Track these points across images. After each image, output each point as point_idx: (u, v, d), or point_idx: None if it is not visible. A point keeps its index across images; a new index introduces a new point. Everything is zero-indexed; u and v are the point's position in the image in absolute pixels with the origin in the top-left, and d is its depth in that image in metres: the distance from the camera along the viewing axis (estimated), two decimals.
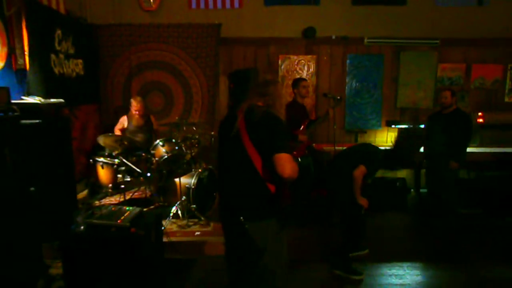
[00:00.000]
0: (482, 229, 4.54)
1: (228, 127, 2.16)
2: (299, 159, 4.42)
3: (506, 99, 5.87)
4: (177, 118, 5.64)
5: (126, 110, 5.21)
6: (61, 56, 4.51)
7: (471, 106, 5.73)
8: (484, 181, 5.13)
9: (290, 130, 4.36)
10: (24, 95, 3.56)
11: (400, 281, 3.34)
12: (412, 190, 5.76)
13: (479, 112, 5.53)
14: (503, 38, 5.69)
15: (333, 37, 5.77)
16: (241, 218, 2.06)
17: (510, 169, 5.10)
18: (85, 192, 5.04)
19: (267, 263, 2.12)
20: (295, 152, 4.31)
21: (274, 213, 2.11)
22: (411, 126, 3.66)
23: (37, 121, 2.93)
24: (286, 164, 1.92)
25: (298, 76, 5.64)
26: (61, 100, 3.55)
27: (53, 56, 4.30)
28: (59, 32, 4.43)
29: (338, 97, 4.58)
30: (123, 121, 5.10)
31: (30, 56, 3.78)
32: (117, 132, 5.04)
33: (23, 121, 2.80)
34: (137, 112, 5.01)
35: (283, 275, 2.24)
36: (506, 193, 4.93)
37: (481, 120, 5.45)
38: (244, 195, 2.10)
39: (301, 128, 4.50)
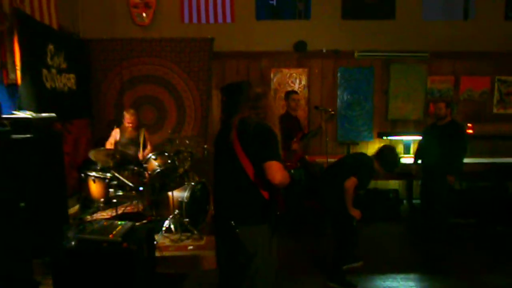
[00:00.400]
0: (475, 239, 4.57)
1: (222, 140, 2.22)
2: (292, 171, 4.44)
3: (495, 110, 5.98)
4: (169, 131, 5.65)
5: (118, 124, 5.20)
6: (53, 71, 4.51)
7: (460, 118, 5.80)
8: (475, 191, 5.19)
9: (283, 141, 4.39)
10: (15, 110, 3.54)
11: None
12: (404, 201, 5.78)
13: (468, 123, 5.62)
14: (490, 51, 5.81)
15: (324, 50, 5.86)
16: (232, 222, 2.11)
17: (499, 179, 5.16)
18: (76, 207, 4.98)
19: (258, 269, 2.15)
20: (288, 163, 4.33)
21: (266, 219, 2.16)
22: None
23: (29, 135, 2.91)
24: (277, 172, 2.01)
25: (290, 89, 5.70)
26: (53, 114, 3.54)
27: (45, 71, 4.30)
28: (51, 47, 4.45)
29: (332, 112, 4.64)
30: (115, 134, 5.06)
31: (21, 71, 3.78)
32: (109, 146, 5.00)
33: (14, 136, 2.78)
34: (130, 125, 4.98)
35: (274, 280, 2.28)
36: (496, 202, 4.98)
37: (470, 131, 5.53)
38: (236, 201, 2.16)
39: (294, 140, 4.54)
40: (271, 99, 2.31)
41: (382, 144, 3.74)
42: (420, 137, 4.87)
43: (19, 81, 3.78)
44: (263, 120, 2.15)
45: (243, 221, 2.12)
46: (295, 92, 4.90)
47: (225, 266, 2.31)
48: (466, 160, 4.68)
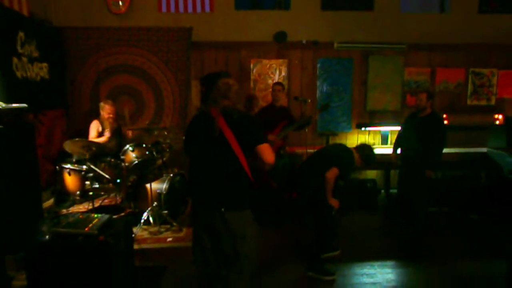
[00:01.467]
0: (449, 227, 4.70)
1: (203, 127, 2.30)
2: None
3: (469, 102, 6.14)
4: (147, 122, 5.55)
5: (96, 115, 5.06)
6: (24, 59, 4.34)
7: (436, 109, 5.92)
8: (449, 180, 5.33)
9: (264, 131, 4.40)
10: None
11: (372, 280, 3.40)
12: (382, 191, 5.89)
13: (444, 114, 5.76)
14: (464, 44, 5.95)
15: (304, 41, 5.85)
16: (222, 209, 2.21)
17: (472, 168, 5.32)
18: (51, 201, 4.86)
19: (246, 254, 2.27)
20: None
21: (249, 204, 2.31)
22: None
23: None
24: (269, 153, 2.22)
25: (270, 80, 5.72)
26: (24, 104, 3.40)
27: (15, 59, 4.14)
28: (21, 34, 4.27)
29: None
30: (97, 126, 4.87)
31: None
32: (97, 139, 4.80)
33: None
34: (110, 115, 4.86)
35: (255, 262, 2.40)
36: (470, 191, 5.14)
37: (445, 122, 5.66)
38: (227, 188, 2.26)
39: (276, 130, 4.54)
40: (240, 91, 2.45)
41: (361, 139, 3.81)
42: (398, 127, 4.93)
43: None
44: (240, 108, 2.36)
45: (232, 207, 2.23)
46: (277, 84, 4.89)
47: (210, 256, 2.38)
48: None
